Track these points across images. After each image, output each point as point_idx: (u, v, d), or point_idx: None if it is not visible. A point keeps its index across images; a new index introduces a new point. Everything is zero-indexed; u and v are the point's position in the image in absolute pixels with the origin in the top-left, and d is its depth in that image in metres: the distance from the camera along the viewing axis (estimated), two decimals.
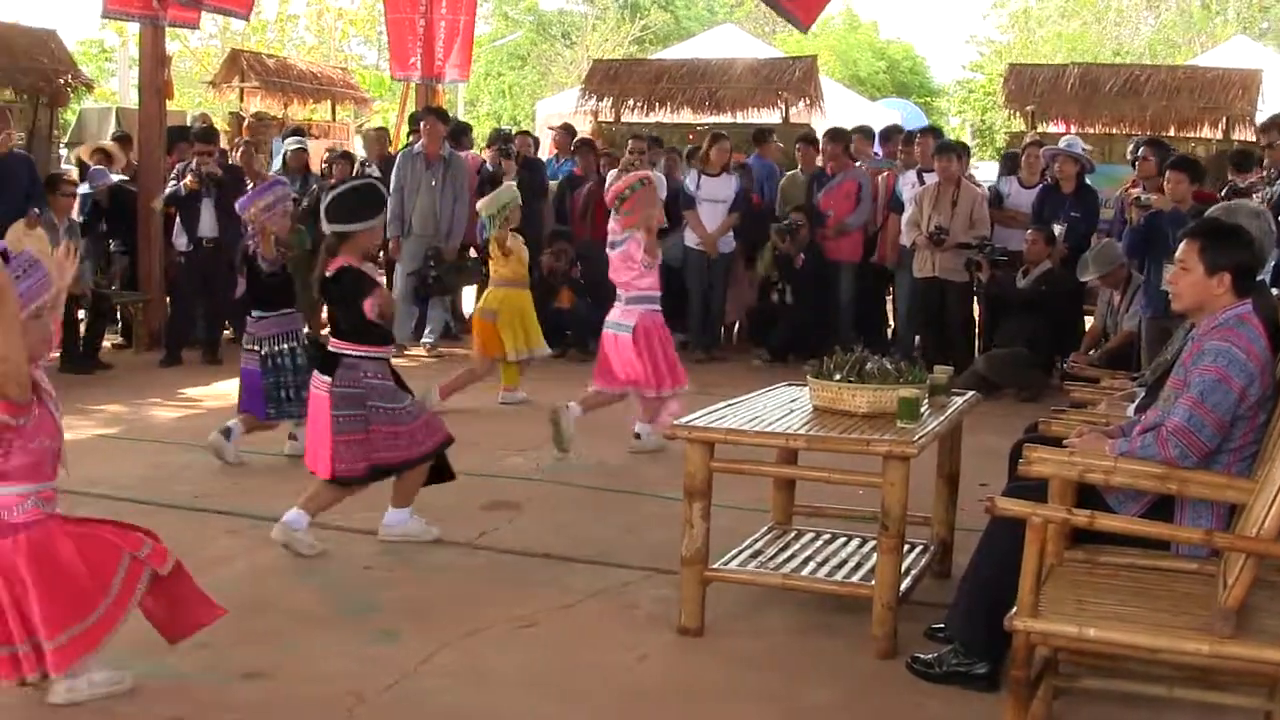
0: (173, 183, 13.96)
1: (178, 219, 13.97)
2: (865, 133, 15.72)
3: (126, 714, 5.16)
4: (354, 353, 7.27)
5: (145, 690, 5.35)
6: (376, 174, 14.90)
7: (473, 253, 15.24)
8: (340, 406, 7.20)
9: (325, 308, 7.48)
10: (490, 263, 11.75)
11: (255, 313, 9.52)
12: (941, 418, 6.35)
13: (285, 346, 9.44)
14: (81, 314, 13.50)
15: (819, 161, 14.75)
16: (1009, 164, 15.23)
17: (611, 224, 10.03)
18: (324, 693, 5.40)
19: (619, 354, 9.80)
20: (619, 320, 9.86)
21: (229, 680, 5.51)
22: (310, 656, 5.81)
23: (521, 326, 11.53)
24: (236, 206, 9.84)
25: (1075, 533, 5.26)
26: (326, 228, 7.41)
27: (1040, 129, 16.92)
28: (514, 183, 12.12)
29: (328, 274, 7.33)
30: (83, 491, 7.90)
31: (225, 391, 12.01)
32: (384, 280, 8.44)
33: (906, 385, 6.24)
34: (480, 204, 11.82)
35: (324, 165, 16.47)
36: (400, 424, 7.33)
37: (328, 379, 7.26)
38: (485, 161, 15.70)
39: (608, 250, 10.04)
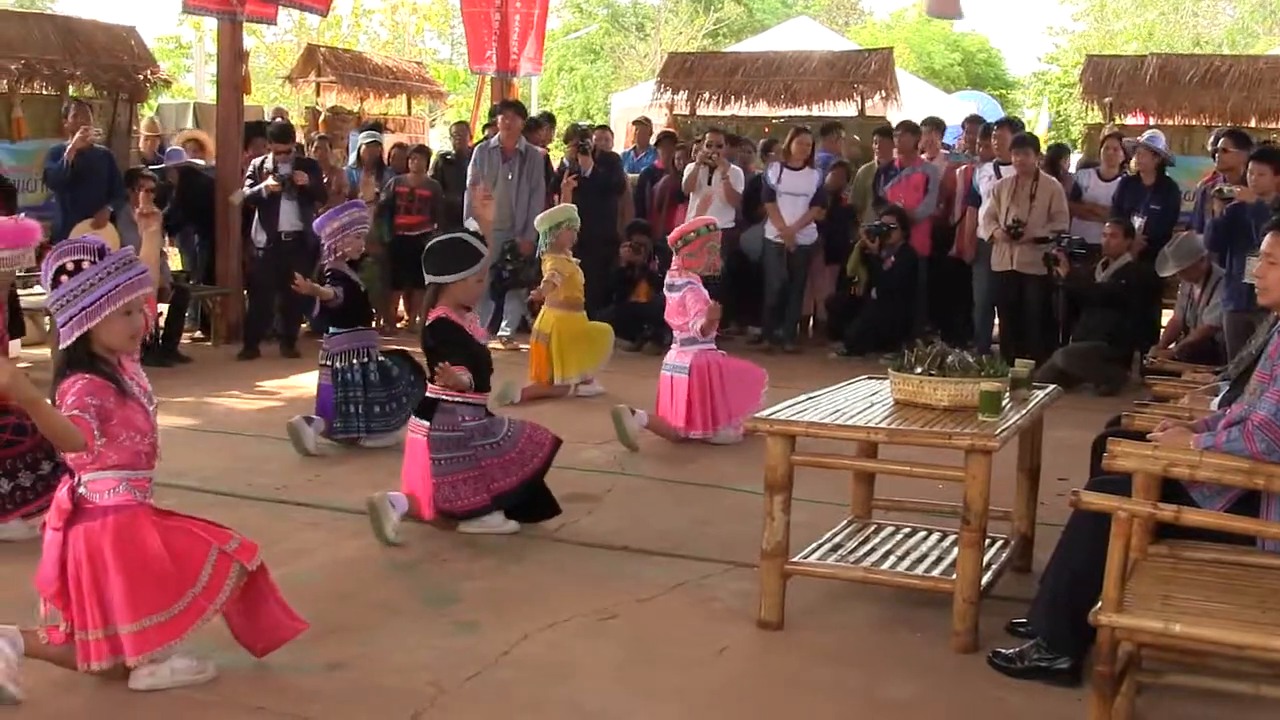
0: (249, 181, 14.05)
1: (256, 216, 14.08)
2: (936, 124, 15.60)
3: (209, 703, 5.19)
4: (452, 398, 7.45)
5: (228, 680, 5.38)
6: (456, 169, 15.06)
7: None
8: (440, 450, 7.39)
9: (426, 355, 7.65)
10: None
11: (330, 329, 9.71)
12: (1023, 411, 6.30)
13: (356, 362, 9.61)
14: (161, 307, 13.60)
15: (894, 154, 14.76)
16: (1052, 155, 15.15)
17: (673, 265, 10.16)
18: (405, 684, 5.41)
19: (674, 398, 9.99)
20: (675, 362, 10.05)
21: (311, 671, 5.53)
22: (391, 648, 5.82)
23: (573, 351, 11.72)
24: (314, 225, 10.17)
25: (1158, 527, 5.22)
26: (425, 278, 7.62)
27: (1118, 120, 16.77)
28: (572, 205, 12.27)
29: (428, 322, 7.56)
30: (166, 483, 7.94)
31: (303, 385, 12.09)
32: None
33: (988, 379, 6.20)
34: (537, 219, 12.05)
35: (390, 158, 16.58)
36: (506, 452, 7.52)
37: (425, 423, 7.44)
38: (563, 158, 15.70)
39: (665, 291, 10.16)
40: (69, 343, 5.02)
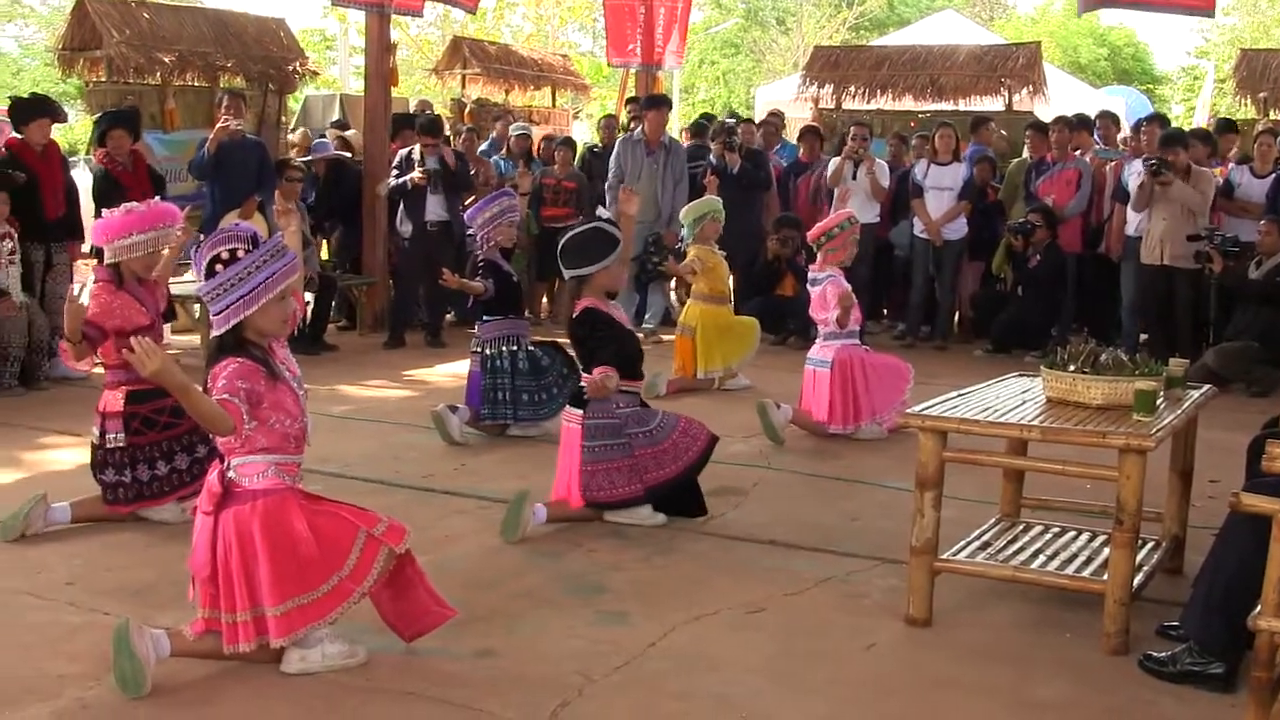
0: (395, 172, 14.18)
1: (402, 206, 14.19)
2: (1085, 122, 15.41)
3: (358, 687, 5.26)
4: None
5: (377, 664, 5.45)
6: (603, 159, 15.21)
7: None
8: (594, 437, 7.44)
9: (573, 345, 7.79)
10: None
11: (484, 317, 9.79)
12: (1178, 411, 6.20)
13: (506, 350, 9.66)
14: (308, 296, 13.78)
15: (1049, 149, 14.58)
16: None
17: (816, 260, 10.16)
18: (552, 672, 5.45)
19: (817, 391, 9.97)
20: (818, 356, 10.02)
21: (458, 657, 5.59)
22: (538, 636, 5.87)
23: (718, 344, 11.76)
24: (466, 216, 10.28)
25: None
26: (565, 273, 7.71)
27: (1273, 115, 16.44)
28: (717, 198, 12.32)
29: (575, 314, 7.61)
30: (313, 469, 8.07)
31: (448, 374, 12.24)
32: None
33: (1143, 377, 6.12)
34: (682, 211, 12.11)
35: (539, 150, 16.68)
36: (660, 442, 7.55)
37: (580, 412, 7.49)
38: (709, 154, 15.65)
39: (809, 286, 10.17)
40: (222, 330, 5.12)
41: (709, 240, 11.88)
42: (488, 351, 9.68)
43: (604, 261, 7.54)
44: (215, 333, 5.16)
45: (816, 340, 10.17)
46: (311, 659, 5.32)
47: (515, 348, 9.69)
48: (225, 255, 5.10)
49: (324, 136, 16.80)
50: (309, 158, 15.35)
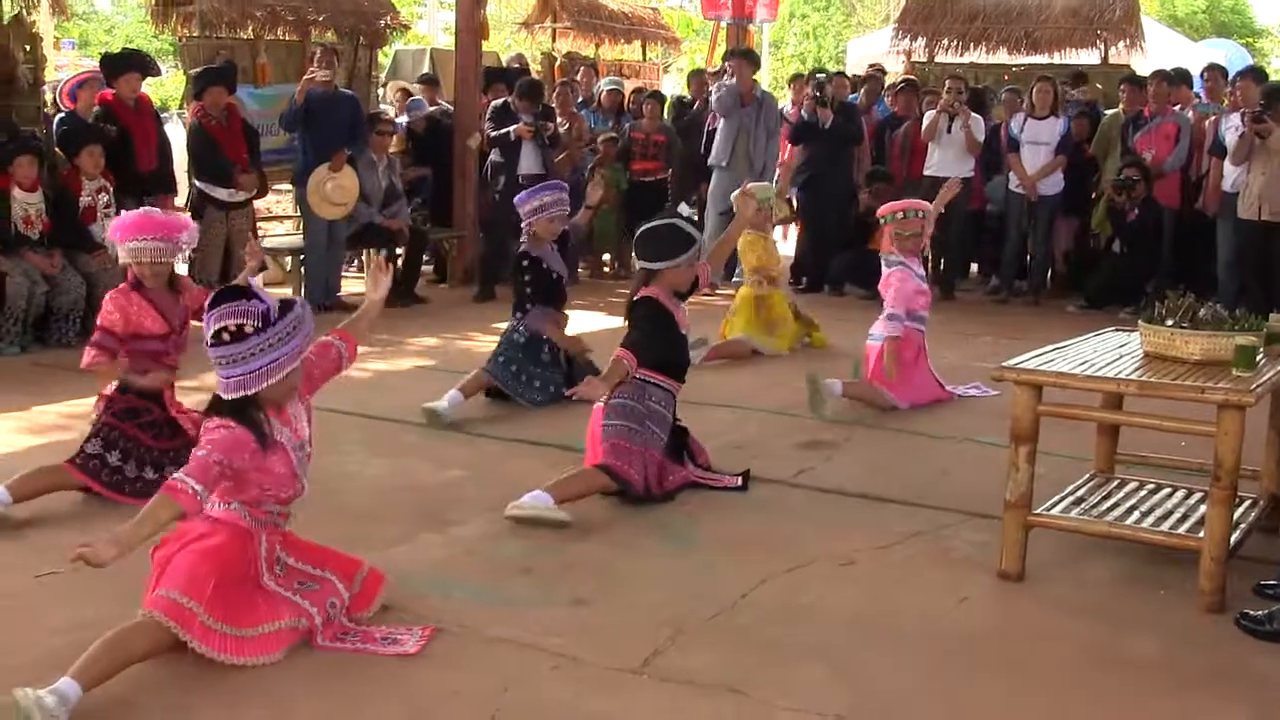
0: (490, 125, 14.21)
1: (491, 158, 14.23)
2: (1184, 76, 15.22)
3: (451, 633, 5.28)
4: (646, 378, 7.23)
5: (476, 613, 5.49)
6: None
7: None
8: (611, 416, 7.19)
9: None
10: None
11: (526, 306, 9.56)
12: (1278, 367, 6.11)
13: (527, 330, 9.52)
14: (399, 249, 13.88)
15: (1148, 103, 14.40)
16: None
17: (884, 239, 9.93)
18: (644, 621, 5.46)
19: (872, 363, 9.66)
20: (877, 331, 9.65)
21: (554, 607, 5.63)
22: (630, 586, 5.89)
23: (743, 316, 11.68)
24: (515, 200, 9.84)
25: None
26: (636, 262, 7.62)
27: None
28: (771, 185, 12.26)
29: (636, 297, 7.40)
30: (405, 420, 8.17)
31: None
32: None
33: (1243, 333, 6.04)
34: (732, 195, 12.07)
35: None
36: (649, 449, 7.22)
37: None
38: (800, 110, 15.57)
39: (883, 264, 9.89)
40: (227, 398, 4.93)
41: (761, 226, 11.72)
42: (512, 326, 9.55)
43: (675, 260, 7.29)
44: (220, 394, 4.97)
45: (879, 319, 9.86)
46: None
47: (531, 332, 9.50)
48: (232, 328, 4.85)
49: (418, 95, 16.84)
50: (404, 119, 15.43)
